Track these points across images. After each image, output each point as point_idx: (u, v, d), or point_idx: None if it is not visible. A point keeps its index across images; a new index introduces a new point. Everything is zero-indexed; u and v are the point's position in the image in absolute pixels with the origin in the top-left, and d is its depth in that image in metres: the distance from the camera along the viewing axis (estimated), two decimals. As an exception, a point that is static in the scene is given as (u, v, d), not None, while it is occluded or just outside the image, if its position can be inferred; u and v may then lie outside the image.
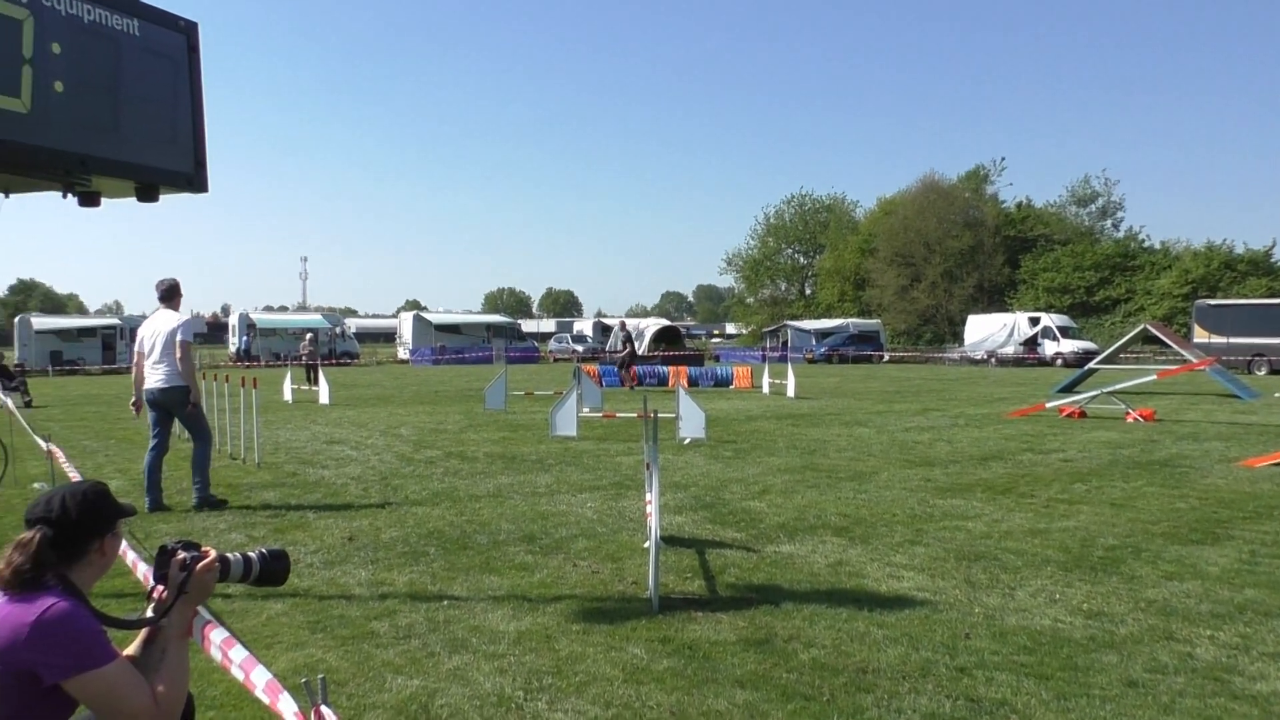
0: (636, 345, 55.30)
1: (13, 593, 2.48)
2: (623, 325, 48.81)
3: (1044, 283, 61.05)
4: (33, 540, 2.55)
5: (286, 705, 2.60)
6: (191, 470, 9.17)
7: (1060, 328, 48.08)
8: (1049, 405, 18.84)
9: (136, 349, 9.24)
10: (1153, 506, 8.96)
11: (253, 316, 58.08)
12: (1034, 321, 49.28)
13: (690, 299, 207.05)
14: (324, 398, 22.53)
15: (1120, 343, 24.92)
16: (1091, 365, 24.61)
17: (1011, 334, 49.58)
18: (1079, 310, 57.72)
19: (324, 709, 2.61)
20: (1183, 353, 23.55)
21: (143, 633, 2.81)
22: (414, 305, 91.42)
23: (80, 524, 2.62)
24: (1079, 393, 20.64)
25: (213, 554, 2.78)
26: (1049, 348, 47.23)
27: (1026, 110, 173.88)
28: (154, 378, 8.98)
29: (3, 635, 2.35)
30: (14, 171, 1.77)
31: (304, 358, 33.65)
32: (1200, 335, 38.99)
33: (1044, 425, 16.52)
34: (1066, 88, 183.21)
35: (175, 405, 9.11)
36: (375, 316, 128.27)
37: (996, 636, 5.20)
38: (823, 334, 56.72)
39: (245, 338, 54.53)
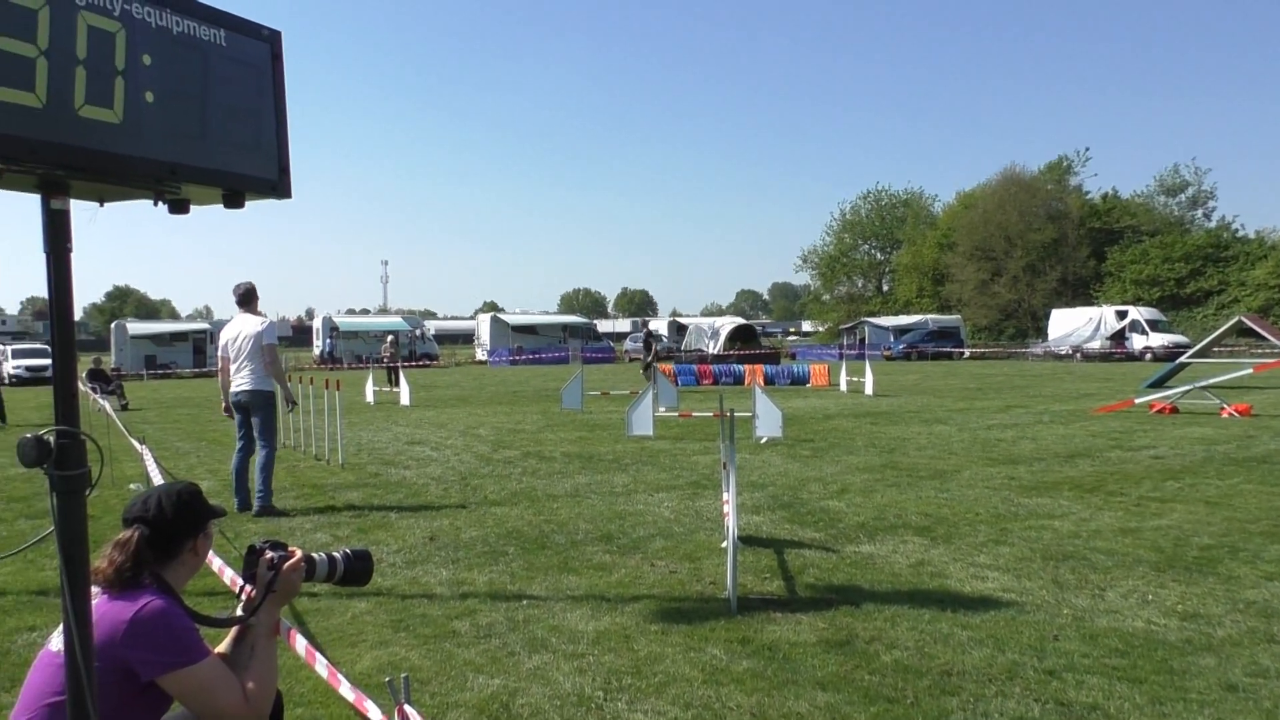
0: (712, 345, 55.32)
1: (112, 591, 2.56)
2: (645, 324, 48.65)
3: (1132, 275, 59.37)
4: (131, 539, 2.63)
5: (371, 705, 2.64)
6: (257, 475, 9.14)
7: (1149, 321, 46.70)
8: (1138, 401, 18.30)
9: (220, 354, 9.37)
10: (1250, 505, 8.64)
11: (336, 320, 59.28)
12: (1121, 315, 47.93)
13: (766, 297, 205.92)
14: (405, 399, 22.91)
15: (1213, 336, 24.10)
16: (1183, 359, 23.86)
17: (1098, 328, 48.28)
18: (1169, 303, 56.00)
19: (407, 708, 2.65)
20: (1280, 345, 22.71)
21: (233, 631, 2.88)
22: (491, 307, 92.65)
23: (175, 524, 2.70)
24: (1170, 388, 20.03)
25: (299, 553, 2.83)
26: (1137, 342, 45.89)
27: (1112, 99, 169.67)
28: (240, 381, 9.14)
29: (101, 632, 2.42)
30: (108, 181, 1.82)
31: (385, 360, 34.23)
32: (1298, 327, 37.55)
33: (1133, 421, 16.06)
34: (1154, 74, 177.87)
35: (259, 407, 9.17)
36: (454, 318, 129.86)
37: (1086, 639, 5.06)
38: (901, 330, 55.90)
39: (329, 340, 55.67)
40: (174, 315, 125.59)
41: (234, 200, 2.03)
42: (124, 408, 23.28)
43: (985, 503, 8.92)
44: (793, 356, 56.54)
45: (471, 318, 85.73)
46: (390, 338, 36.12)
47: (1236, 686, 4.37)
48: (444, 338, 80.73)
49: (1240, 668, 4.60)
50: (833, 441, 13.90)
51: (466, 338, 79.56)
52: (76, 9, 1.66)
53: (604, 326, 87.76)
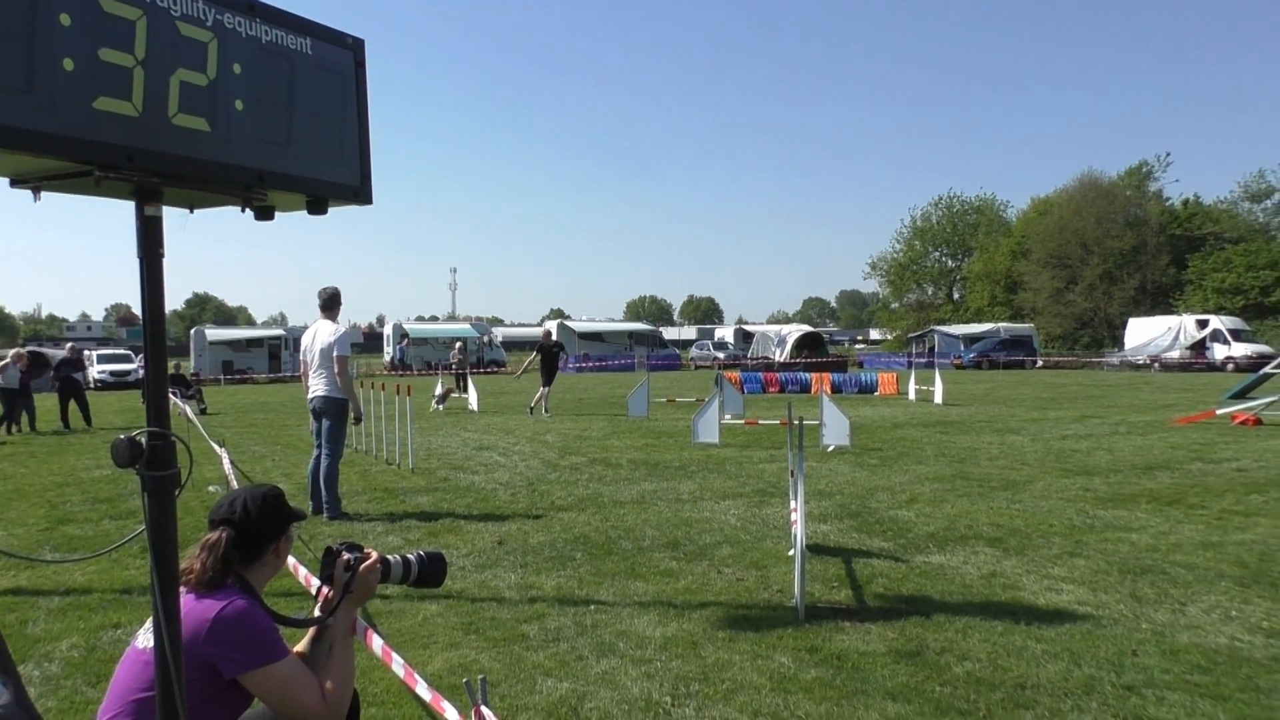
0: (778, 353, 54.99)
1: (199, 591, 2.63)
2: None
3: (1213, 283, 57.67)
4: (219, 540, 2.70)
5: (449, 705, 2.66)
6: (321, 487, 9.15)
7: (1231, 330, 45.31)
8: (1220, 412, 17.77)
9: (301, 358, 9.52)
10: (1340, 520, 8.34)
11: (406, 326, 60.11)
12: (1202, 324, 46.56)
13: (833, 304, 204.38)
14: (473, 404, 23.15)
15: (1300, 346, 23.31)
16: (1267, 370, 23.12)
17: (1177, 337, 46.97)
18: (1252, 312, 54.24)
19: (484, 709, 2.68)
20: (1371, 356, 21.90)
21: (311, 631, 2.94)
22: (558, 314, 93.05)
23: (260, 526, 2.77)
24: (1253, 399, 19.42)
25: (375, 555, 2.88)
26: (1219, 351, 44.56)
27: (1193, 102, 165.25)
28: (315, 388, 9.26)
29: (187, 629, 2.49)
30: (198, 188, 1.88)
31: (454, 366, 34.63)
32: (1391, 337, 36.15)
33: (1214, 433, 15.59)
34: (1239, 78, 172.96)
35: (329, 414, 9.23)
36: (521, 325, 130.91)
37: (1167, 654, 4.93)
38: (971, 339, 55.03)
39: (399, 347, 56.48)
40: (250, 321, 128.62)
41: (318, 206, 2.08)
42: (203, 412, 23.88)
43: (1059, 514, 8.74)
44: (860, 365, 55.97)
45: (538, 325, 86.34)
46: (459, 344, 36.53)
47: (1326, 707, 4.22)
48: (511, 344, 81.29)
49: (1330, 687, 4.45)
50: (901, 450, 13.73)
51: (534, 344, 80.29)
52: (172, 19, 1.72)
53: (670, 334, 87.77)
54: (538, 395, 21.43)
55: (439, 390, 22.62)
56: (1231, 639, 5.17)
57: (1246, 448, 13.58)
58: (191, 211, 2.04)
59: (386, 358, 58.10)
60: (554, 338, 23.19)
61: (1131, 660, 4.85)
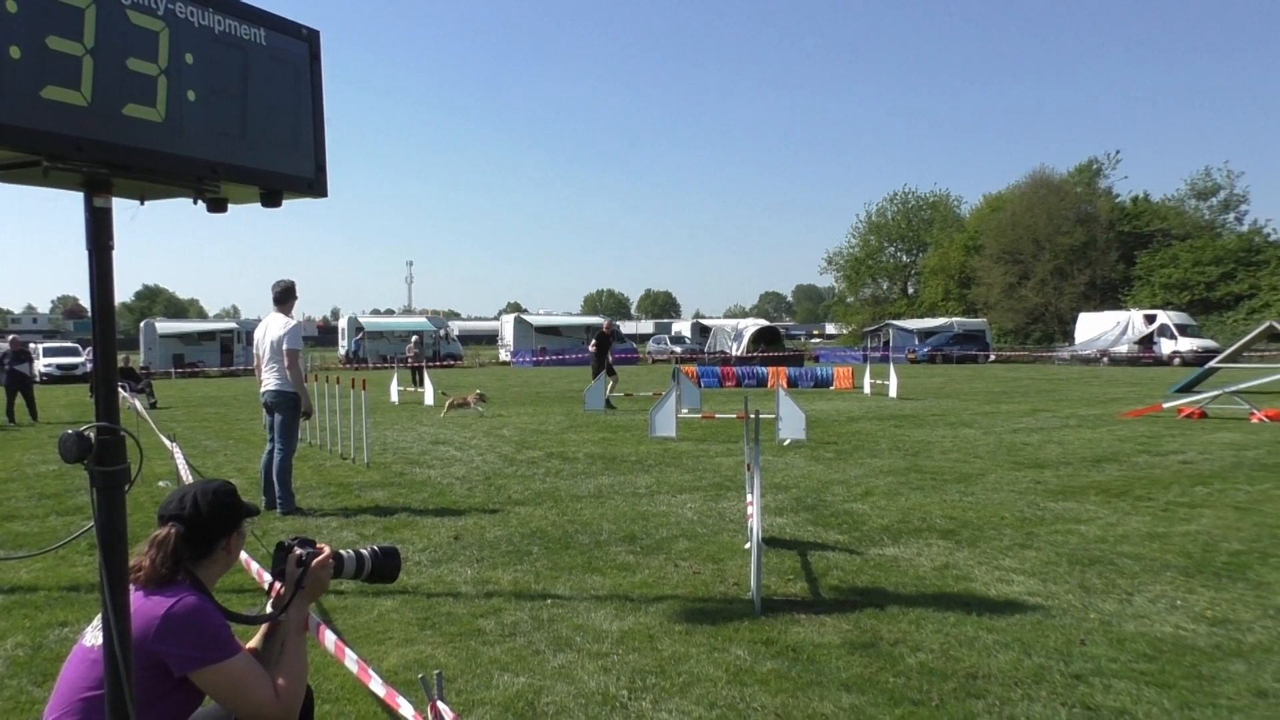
0: (735, 347, 55.22)
1: (148, 588, 2.59)
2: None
3: (1161, 279, 58.77)
4: (168, 537, 2.66)
5: (404, 701, 2.65)
6: (274, 482, 9.04)
7: (1178, 325, 46.25)
8: (1166, 405, 18.14)
9: (255, 352, 9.42)
10: (1281, 511, 8.55)
11: (361, 320, 59.56)
12: (1150, 319, 47.48)
13: (789, 299, 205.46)
14: (429, 399, 23.00)
15: (1243, 340, 23.80)
16: (1212, 364, 23.59)
17: (1125, 332, 47.85)
18: (1199, 307, 55.38)
19: (439, 704, 2.67)
20: (1312, 350, 22.44)
21: (263, 628, 2.91)
22: (515, 308, 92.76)
23: (210, 522, 2.72)
24: (1199, 392, 19.81)
25: (328, 550, 2.86)
26: (1166, 346, 45.47)
27: (1144, 102, 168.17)
28: (267, 382, 9.16)
29: (136, 627, 2.46)
30: (150, 179, 1.85)
31: (410, 360, 34.39)
32: (1331, 332, 37.07)
33: (1161, 426, 15.90)
34: (1185, 76, 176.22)
35: (283, 409, 9.15)
36: (478, 319, 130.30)
37: (1114, 643, 5.03)
38: (926, 333, 55.63)
39: (355, 340, 55.98)
40: (202, 315, 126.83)
41: (272, 199, 2.06)
42: (153, 406, 23.51)
43: (1011, 506, 8.87)
44: (816, 359, 56.34)
45: (495, 319, 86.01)
46: (415, 338, 36.28)
47: (1267, 693, 4.33)
48: (468, 338, 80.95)
49: (1270, 674, 4.56)
50: (856, 444, 13.86)
51: (490, 338, 79.84)
52: (122, 8, 1.69)
53: (627, 328, 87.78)
54: (609, 385, 20.79)
55: (457, 399, 20.77)
56: (1176, 628, 5.28)
57: (1192, 440, 13.86)
58: (142, 203, 2.01)
59: (341, 351, 57.54)
60: (608, 328, 23.42)
61: (1080, 649, 4.94)
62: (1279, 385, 19.67)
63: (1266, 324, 23.78)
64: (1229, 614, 5.52)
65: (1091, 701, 4.25)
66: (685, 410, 16.28)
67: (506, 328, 59.41)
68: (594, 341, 21.49)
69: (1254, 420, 16.33)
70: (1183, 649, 4.93)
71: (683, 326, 71.95)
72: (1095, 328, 49.76)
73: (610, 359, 21.52)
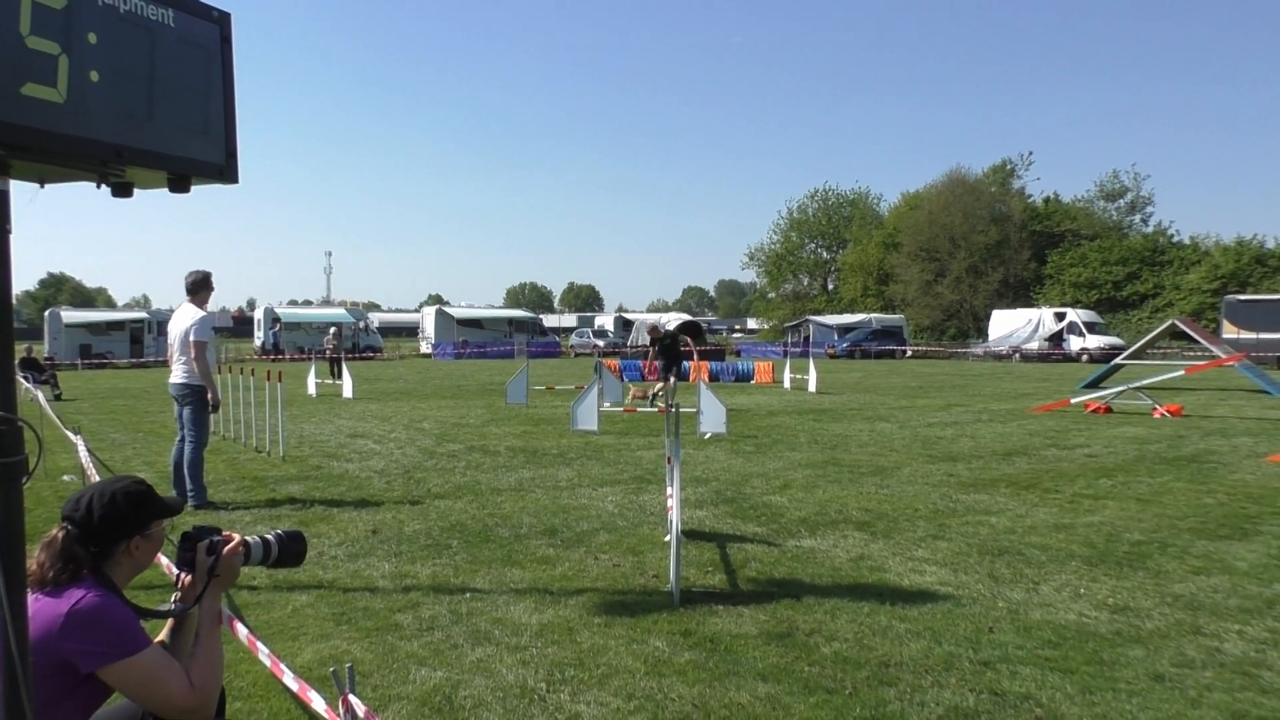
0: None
1: (46, 589, 2.50)
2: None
3: (1070, 278, 60.59)
4: (55, 539, 2.57)
5: (316, 695, 2.62)
6: (185, 475, 8.88)
7: (1086, 323, 47.68)
8: (1074, 401, 18.71)
9: (168, 343, 9.23)
10: (1180, 502, 8.89)
11: (278, 311, 58.32)
12: (1060, 317, 48.88)
13: (712, 294, 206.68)
14: (347, 391, 22.67)
15: (1148, 338, 24.73)
16: (1118, 361, 24.45)
17: (1036, 329, 49.20)
18: (1106, 306, 57.27)
19: (351, 698, 2.64)
20: (1211, 348, 23.39)
21: (170, 621, 2.83)
22: (436, 300, 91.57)
23: (103, 526, 2.60)
24: (1105, 388, 20.50)
25: (237, 538, 2.80)
26: (1075, 343, 46.84)
27: (1055, 104, 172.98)
28: (175, 374, 8.98)
29: (37, 627, 2.38)
30: (50, 161, 1.78)
31: (328, 352, 33.82)
32: (1229, 331, 38.63)
33: (1069, 421, 16.41)
34: (1095, 81, 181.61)
35: (192, 401, 8.98)
36: (398, 311, 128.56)
37: (1020, 631, 5.18)
38: (845, 329, 56.46)
39: (270, 332, 54.85)
40: (110, 304, 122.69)
41: (180, 184, 2.00)
42: (57, 398, 22.74)
43: (925, 499, 9.07)
44: (738, 353, 56.90)
45: (416, 310, 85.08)
46: (333, 329, 35.68)
47: (1163, 676, 4.50)
48: (388, 330, 79.74)
49: (1167, 658, 4.74)
50: (776, 438, 14.02)
51: (411, 331, 78.82)
52: (19, -16, 1.62)
53: (550, 321, 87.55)
54: (658, 386, 18.85)
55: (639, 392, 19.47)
56: (1079, 615, 5.46)
57: (1098, 434, 14.33)
58: (42, 186, 1.94)
59: (257, 343, 56.33)
60: (668, 327, 19.83)
61: (988, 637, 5.08)
62: (1180, 382, 20.45)
63: (1169, 322, 24.75)
64: (1129, 602, 5.72)
65: (998, 687, 4.37)
66: (607, 404, 16.30)
67: (428, 320, 58.76)
68: (654, 343, 18.73)
69: (1156, 415, 16.93)
70: (1085, 636, 5.10)
71: (606, 320, 72.03)
72: (1008, 325, 51.05)
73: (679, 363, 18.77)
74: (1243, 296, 42.31)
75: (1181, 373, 19.54)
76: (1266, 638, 5.07)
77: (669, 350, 18.19)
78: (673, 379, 17.70)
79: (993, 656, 4.77)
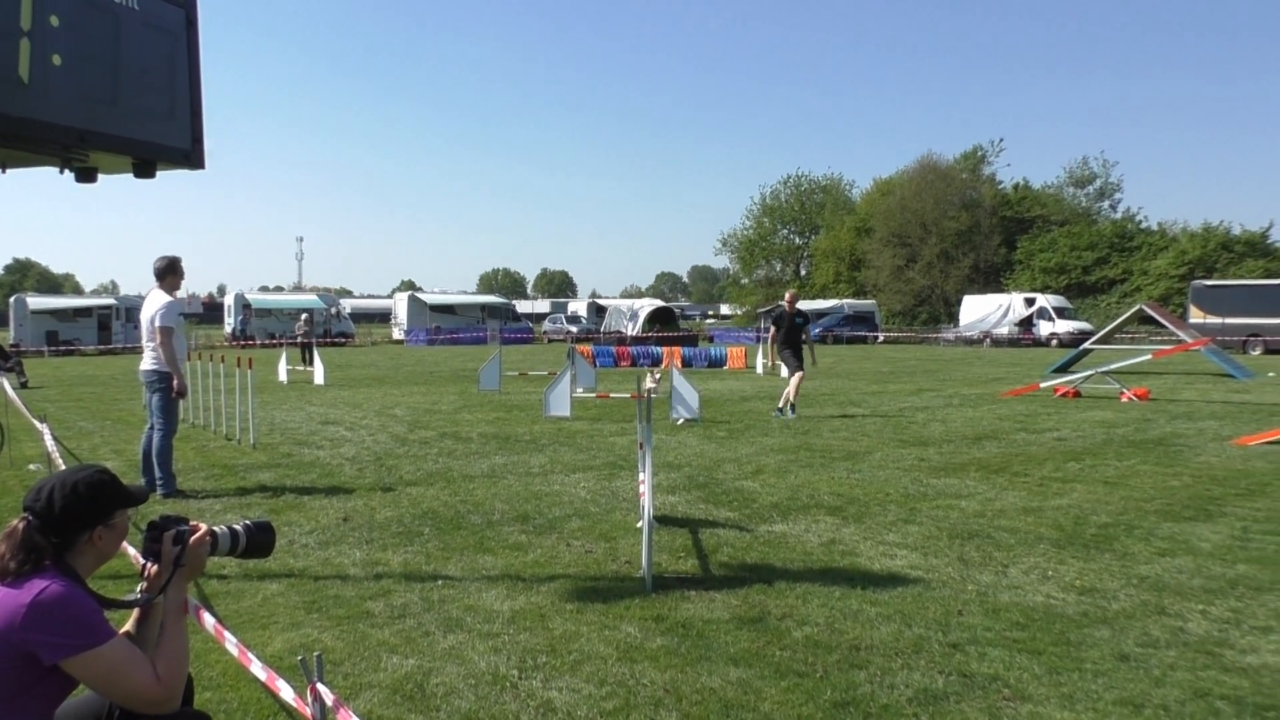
0: (630, 327, 55.40)
1: (8, 581, 2.47)
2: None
3: (1040, 263, 61.04)
4: (16, 530, 2.54)
5: (284, 684, 2.61)
6: (154, 463, 8.79)
7: (1056, 308, 48.14)
8: (1043, 385, 18.88)
9: (140, 329, 9.17)
10: (1146, 484, 9.00)
11: (248, 297, 57.78)
12: (1030, 302, 49.31)
13: (685, 280, 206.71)
14: (319, 378, 22.52)
15: (1116, 323, 24.99)
16: (1086, 345, 24.70)
17: (1007, 314, 49.62)
18: (1075, 291, 57.75)
19: (319, 686, 2.63)
20: (1178, 333, 23.68)
21: (135, 612, 2.81)
22: (409, 286, 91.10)
23: (64, 517, 2.56)
24: (1074, 373, 20.70)
25: (204, 528, 2.78)
26: (1044, 328, 47.29)
27: (1025, 91, 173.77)
28: (144, 361, 8.90)
29: (1, 618, 2.35)
30: (11, 145, 1.76)
31: (299, 338, 33.56)
32: (1196, 315, 39.11)
33: (1038, 405, 16.56)
34: (1065, 69, 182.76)
35: (154, 388, 8.89)
36: (370, 297, 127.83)
37: (989, 613, 5.24)
38: (817, 314, 56.62)
39: (241, 318, 54.37)
40: (78, 290, 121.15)
41: (145, 170, 1.98)
42: (24, 385, 22.43)
43: (896, 483, 9.14)
44: (710, 339, 57.01)
45: (389, 296, 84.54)
46: (305, 316, 35.40)
47: (1129, 657, 4.57)
48: (360, 316, 79.28)
49: (1133, 639, 4.81)
50: (748, 423, 14.07)
51: (383, 317, 78.43)
52: (-22, -33, 1.60)
53: (523, 307, 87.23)
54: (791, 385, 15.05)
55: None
56: (1047, 597, 5.53)
57: (1066, 419, 14.47)
58: (4, 171, 1.91)
59: (227, 329, 55.83)
60: (792, 304, 15.67)
61: (958, 620, 5.13)
62: (1147, 366, 20.68)
63: (1137, 307, 25.01)
64: (1096, 583, 5.80)
65: (967, 669, 4.42)
66: (580, 390, 16.29)
67: (400, 306, 58.43)
68: (775, 321, 15.79)
69: (1124, 399, 17.13)
70: (1053, 617, 5.17)
71: (579, 306, 71.89)
72: (978, 310, 51.44)
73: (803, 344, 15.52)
74: (1209, 282, 42.82)
75: (1149, 357, 19.76)
76: (1229, 617, 5.16)
77: (791, 335, 15.42)
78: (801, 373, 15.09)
79: (962, 639, 4.83)
